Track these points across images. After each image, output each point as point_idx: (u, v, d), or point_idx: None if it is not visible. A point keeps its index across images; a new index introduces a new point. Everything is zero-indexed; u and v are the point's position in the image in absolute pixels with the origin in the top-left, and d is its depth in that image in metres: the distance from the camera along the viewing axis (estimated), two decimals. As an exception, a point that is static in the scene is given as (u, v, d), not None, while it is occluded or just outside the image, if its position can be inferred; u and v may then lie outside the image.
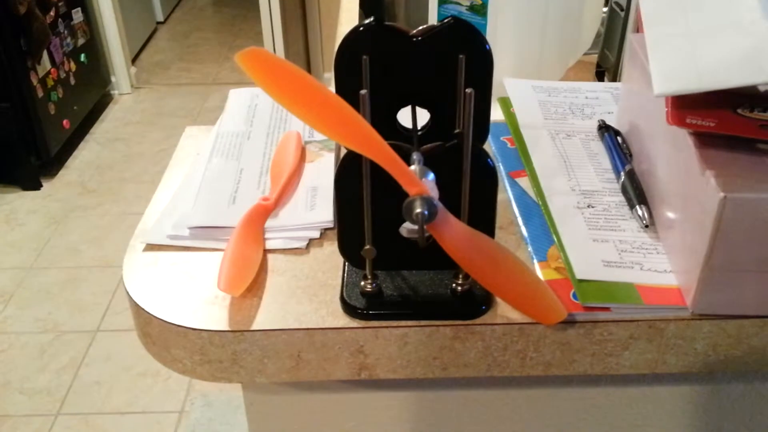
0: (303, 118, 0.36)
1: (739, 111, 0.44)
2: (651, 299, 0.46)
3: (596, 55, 1.24)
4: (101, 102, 3.05)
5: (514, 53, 1.02)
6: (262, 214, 0.54)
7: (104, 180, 2.60)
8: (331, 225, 0.54)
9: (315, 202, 0.56)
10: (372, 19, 0.44)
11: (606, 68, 1.20)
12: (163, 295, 0.48)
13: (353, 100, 0.41)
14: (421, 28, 0.44)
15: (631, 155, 0.59)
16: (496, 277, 0.41)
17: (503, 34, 1.02)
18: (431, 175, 0.40)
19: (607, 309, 0.46)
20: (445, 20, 0.44)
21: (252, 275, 0.48)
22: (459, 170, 0.43)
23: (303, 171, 0.60)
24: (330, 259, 0.51)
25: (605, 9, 1.16)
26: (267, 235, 0.53)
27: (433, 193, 0.38)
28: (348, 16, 1.35)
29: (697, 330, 0.47)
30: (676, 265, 0.48)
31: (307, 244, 0.53)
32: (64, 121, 2.63)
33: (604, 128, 0.63)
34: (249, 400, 0.59)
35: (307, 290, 0.49)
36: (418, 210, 0.37)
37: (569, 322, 0.46)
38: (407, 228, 0.46)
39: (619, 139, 0.61)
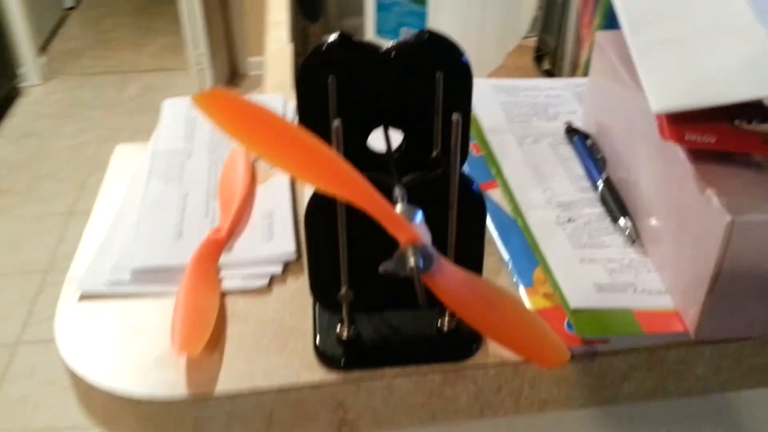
0: (278, 166, 0.30)
1: (737, 123, 0.41)
2: (651, 327, 0.43)
3: (534, 39, 1.21)
4: (9, 95, 2.86)
5: (456, 41, 0.98)
6: (215, 249, 0.48)
7: (17, 179, 2.44)
8: (293, 257, 0.48)
9: (273, 230, 0.50)
10: (338, 34, 0.38)
11: (545, 52, 1.17)
12: (105, 359, 0.42)
13: (319, 126, 0.35)
14: (393, 43, 0.39)
15: (604, 160, 0.56)
16: (495, 323, 0.37)
17: (444, 23, 0.97)
18: (419, 215, 0.35)
19: (605, 341, 0.43)
20: (419, 34, 0.39)
21: (210, 326, 0.43)
22: (442, 200, 0.38)
23: (255, 194, 0.54)
24: (296, 298, 0.46)
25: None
26: (222, 274, 0.47)
27: (425, 237, 0.34)
28: (277, 2, 1.27)
29: (698, 355, 0.44)
30: (671, 286, 0.45)
31: (269, 282, 0.47)
32: (-31, 119, 2.44)
33: (573, 131, 0.60)
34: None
35: (275, 339, 0.43)
36: (412, 263, 0.33)
37: (566, 356, 0.42)
38: (387, 266, 0.41)
39: (589, 142, 0.58)
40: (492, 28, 1.08)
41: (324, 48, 0.38)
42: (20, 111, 2.85)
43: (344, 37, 0.38)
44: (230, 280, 0.47)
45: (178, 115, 0.63)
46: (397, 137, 0.42)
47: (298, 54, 0.96)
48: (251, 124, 0.29)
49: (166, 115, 0.63)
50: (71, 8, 3.70)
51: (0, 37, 2.76)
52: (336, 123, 0.35)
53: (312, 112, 0.39)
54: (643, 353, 0.43)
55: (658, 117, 0.41)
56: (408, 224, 0.33)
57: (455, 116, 0.36)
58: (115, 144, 0.63)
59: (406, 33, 0.95)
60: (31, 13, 2.93)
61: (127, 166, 0.59)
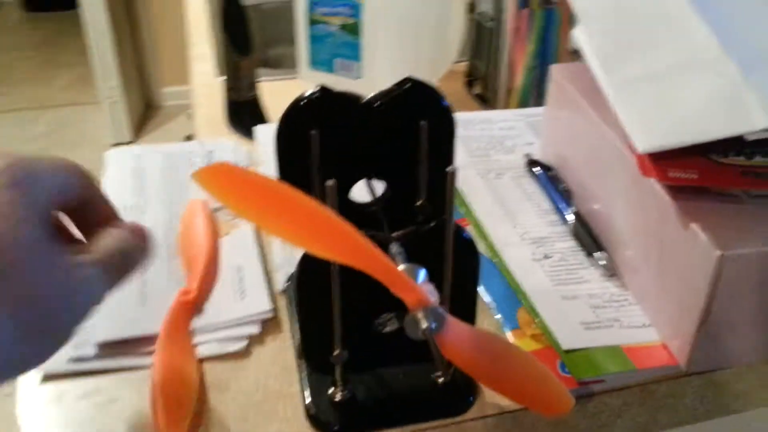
0: (281, 237, 0.28)
1: (713, 157, 0.41)
2: (643, 363, 0.43)
3: (464, 64, 1.23)
4: None
5: (390, 70, 0.98)
6: (186, 313, 0.45)
7: None
8: (270, 315, 0.46)
9: (244, 287, 0.48)
10: (318, 87, 0.37)
11: (477, 78, 1.19)
12: (80, 444, 0.39)
13: (300, 181, 0.34)
14: (375, 93, 0.37)
15: (569, 192, 0.56)
16: (505, 376, 0.36)
17: (378, 53, 0.98)
18: (423, 273, 0.33)
19: (601, 381, 0.42)
20: (402, 82, 0.38)
21: (193, 401, 0.40)
22: (435, 250, 0.37)
23: (219, 248, 0.51)
24: (278, 359, 0.44)
25: (470, 18, 1.15)
26: (197, 339, 0.44)
27: (433, 297, 0.32)
28: (198, 34, 1.24)
29: (686, 385, 0.44)
30: (655, 318, 0.45)
31: (248, 344, 0.45)
32: None
33: (533, 163, 0.60)
34: None
35: (262, 407, 0.41)
36: (425, 325, 0.31)
37: (562, 400, 0.42)
38: (380, 321, 0.40)
39: (551, 174, 0.58)
40: (423, 56, 1.08)
41: (304, 101, 0.36)
42: None
43: (325, 90, 0.37)
44: (206, 345, 0.44)
45: (124, 168, 0.60)
46: (378, 187, 0.40)
47: (230, 89, 0.94)
48: (255, 197, 0.27)
49: (111, 170, 0.60)
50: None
51: None
52: (330, 182, 0.34)
53: (293, 168, 0.37)
54: (635, 389, 0.43)
55: (639, 155, 0.42)
56: (416, 286, 0.32)
57: (450, 168, 0.35)
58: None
59: (341, 64, 0.95)
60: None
61: (75, 226, 0.55)
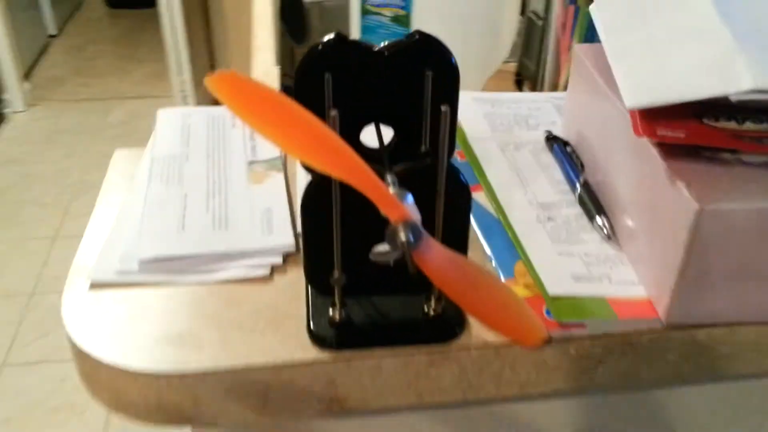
0: (279, 144, 0.33)
1: (705, 121, 0.44)
2: (624, 313, 0.46)
3: (514, 64, 1.26)
4: (-7, 121, 2.87)
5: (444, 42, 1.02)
6: None
7: (1, 204, 2.43)
8: (293, 249, 0.51)
9: (272, 226, 0.52)
10: (334, 34, 0.41)
11: (526, 77, 1.22)
12: (111, 338, 0.44)
13: (315, 119, 0.38)
14: (385, 43, 0.42)
15: (582, 165, 0.59)
16: (479, 300, 0.39)
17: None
18: (410, 197, 0.38)
19: (582, 326, 0.45)
20: (411, 35, 0.42)
21: None
22: (430, 188, 0.41)
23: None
24: (293, 287, 0.48)
25: (522, 18, 1.18)
26: (225, 264, 0.49)
27: (415, 216, 0.36)
28: (262, 27, 1.31)
29: (669, 341, 0.47)
30: (644, 277, 0.48)
31: (270, 272, 0.49)
32: (-47, 142, 2.45)
33: (552, 139, 0.63)
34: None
35: (271, 322, 0.45)
36: (403, 237, 0.35)
37: (545, 340, 0.45)
38: (376, 252, 0.44)
39: (568, 149, 0.61)
40: (473, 54, 1.12)
41: (321, 47, 0.41)
42: (4, 137, 2.85)
43: (340, 37, 0.41)
44: (233, 270, 0.49)
45: (173, 124, 0.66)
46: (388, 133, 0.45)
47: (284, 75, 1.00)
48: (257, 104, 0.31)
49: (162, 124, 0.66)
50: (54, 36, 3.73)
51: (-15, 63, 2.77)
52: (333, 113, 0.38)
53: (309, 107, 0.42)
54: (617, 338, 0.46)
55: (632, 115, 0.45)
56: (399, 203, 0.36)
57: (444, 107, 0.39)
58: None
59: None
60: (15, 41, 2.95)
61: (126, 169, 0.61)
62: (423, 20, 1.04)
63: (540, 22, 1.15)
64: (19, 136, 2.87)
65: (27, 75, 3.20)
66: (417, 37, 0.42)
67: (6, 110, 2.98)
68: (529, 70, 1.23)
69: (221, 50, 2.99)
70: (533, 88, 1.15)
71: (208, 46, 2.99)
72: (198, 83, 2.85)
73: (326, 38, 0.41)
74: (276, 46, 1.18)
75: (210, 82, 0.31)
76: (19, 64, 2.99)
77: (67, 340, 0.45)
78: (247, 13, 1.60)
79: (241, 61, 2.96)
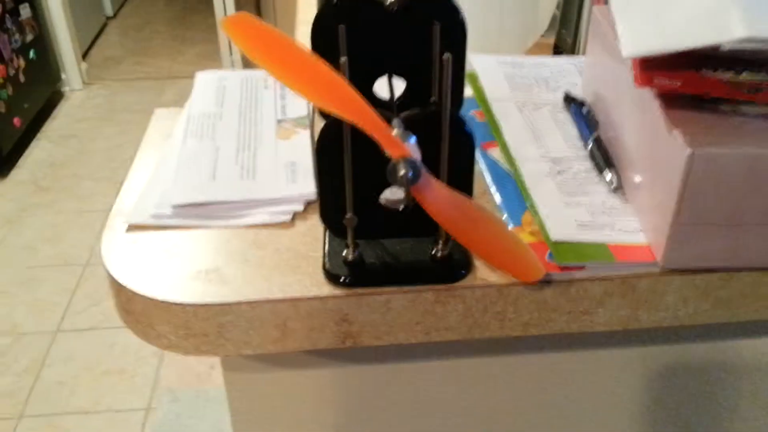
0: (287, 83, 0.36)
1: (703, 71, 0.46)
2: (623, 256, 0.48)
3: (553, 38, 1.27)
4: (52, 99, 2.98)
5: (474, 36, 1.03)
6: None
7: (58, 178, 2.54)
8: (314, 198, 0.54)
9: (296, 177, 0.56)
10: (347, -12, 0.44)
11: (564, 49, 1.22)
12: (145, 272, 0.48)
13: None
14: (397, -3, 0.45)
15: (597, 124, 0.61)
16: (477, 236, 0.42)
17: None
18: (413, 139, 0.41)
19: (581, 268, 0.48)
20: (419, -11, 0.45)
21: None
22: (437, 135, 0.44)
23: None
24: (310, 232, 0.52)
25: (560, -9, 1.19)
26: (251, 210, 0.53)
27: (416, 155, 0.39)
28: (306, 2, 1.35)
29: (667, 284, 0.49)
30: (645, 224, 0.50)
31: (292, 218, 0.53)
32: (15, 120, 2.56)
33: (570, 99, 0.65)
34: (230, 380, 0.59)
35: (290, 262, 0.49)
36: (402, 172, 0.38)
37: (546, 282, 0.47)
38: (387, 198, 0.47)
39: (584, 109, 0.63)
40: (511, 26, 1.14)
41: (335, 1, 0.44)
42: (62, 114, 2.97)
43: (353, -9, 0.44)
44: (258, 216, 0.53)
45: (210, 85, 0.70)
46: (399, 86, 0.48)
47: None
48: (270, 47, 0.35)
49: (199, 85, 0.70)
50: (111, 17, 3.85)
51: (45, 45, 2.89)
52: (343, 59, 0.41)
53: (324, 58, 0.45)
54: (616, 281, 0.48)
55: (633, 66, 0.47)
56: (401, 143, 0.39)
57: (446, 55, 0.42)
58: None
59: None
60: (74, 22, 3.06)
61: (165, 126, 0.66)
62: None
63: (576, -6, 1.15)
64: (76, 113, 2.98)
65: (84, 55, 3.31)
66: (425, -8, 0.44)
67: (64, 89, 3.09)
68: (566, 43, 1.24)
69: (269, 29, 3.05)
70: (571, 59, 1.16)
71: (257, 26, 3.04)
72: (247, 62, 2.91)
73: (340, -7, 0.44)
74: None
75: (226, 23, 0.34)
76: (77, 44, 3.10)
77: (107, 277, 0.50)
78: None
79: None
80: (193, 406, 1.71)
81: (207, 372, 1.78)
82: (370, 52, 0.45)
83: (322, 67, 0.36)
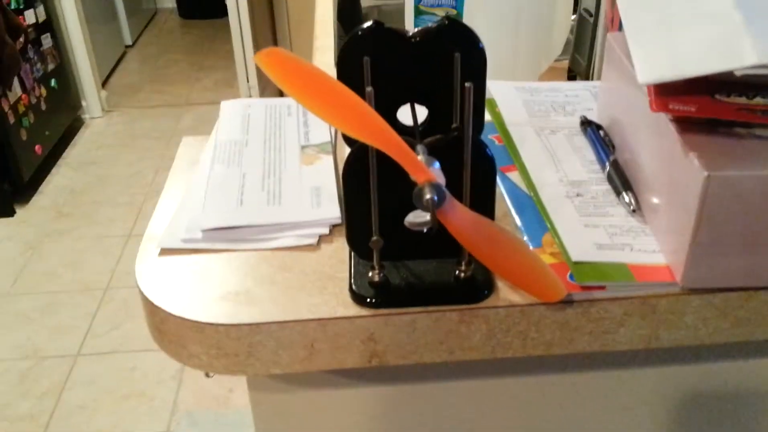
0: (318, 113, 0.38)
1: (717, 96, 0.47)
2: (643, 277, 0.49)
3: (567, 61, 1.29)
4: (73, 126, 3.04)
5: (490, 61, 1.05)
6: None
7: (78, 204, 2.59)
8: (338, 221, 0.56)
9: (321, 201, 0.58)
10: (372, 22, 0.46)
11: (577, 72, 1.24)
12: (178, 294, 0.50)
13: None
14: (418, 29, 0.47)
15: (613, 147, 0.62)
16: (500, 258, 0.43)
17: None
18: (437, 164, 0.42)
19: (602, 288, 0.49)
20: (440, 20, 0.47)
21: None
22: (460, 160, 0.46)
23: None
24: (335, 254, 0.54)
25: (574, 16, 1.21)
26: (278, 234, 0.55)
27: (440, 179, 0.41)
28: (323, 30, 1.38)
29: (686, 304, 0.50)
30: (664, 245, 0.51)
31: (318, 241, 0.55)
32: (36, 147, 2.61)
33: (587, 123, 0.66)
34: (255, 400, 0.60)
35: (317, 283, 0.51)
36: (428, 196, 0.40)
37: (567, 302, 0.48)
38: (411, 221, 0.48)
39: (601, 132, 0.64)
40: (526, 50, 1.16)
41: (360, 33, 0.46)
42: (82, 141, 3.02)
43: (378, 24, 0.46)
44: (285, 238, 0.54)
45: (235, 113, 0.72)
46: (423, 112, 0.49)
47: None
48: (301, 78, 0.37)
49: (225, 113, 0.72)
50: (130, 46, 3.92)
51: (66, 73, 2.95)
52: (368, 89, 0.43)
53: (350, 87, 0.47)
54: (636, 301, 0.49)
55: (648, 92, 0.48)
56: (426, 168, 0.40)
57: (468, 84, 0.44)
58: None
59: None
60: (94, 51, 3.13)
61: (193, 154, 0.68)
62: (474, 19, 1.08)
63: (591, 19, 1.17)
64: (96, 140, 3.03)
65: (104, 83, 3.38)
66: (446, 22, 0.46)
67: (85, 116, 3.15)
68: (580, 66, 1.26)
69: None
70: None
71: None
72: (263, 90, 2.96)
73: (365, 25, 0.46)
74: (335, 47, 1.25)
75: (259, 57, 0.36)
76: (97, 73, 3.16)
77: (141, 303, 0.51)
78: (309, 20, 1.67)
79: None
80: (212, 429, 1.72)
81: (225, 395, 1.80)
82: (393, 82, 0.47)
83: (352, 97, 0.37)
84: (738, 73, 0.44)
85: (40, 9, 2.71)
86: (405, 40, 0.46)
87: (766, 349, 0.59)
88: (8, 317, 2.05)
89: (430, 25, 0.46)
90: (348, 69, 0.46)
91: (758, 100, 0.46)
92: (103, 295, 2.13)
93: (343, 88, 0.37)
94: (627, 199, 0.56)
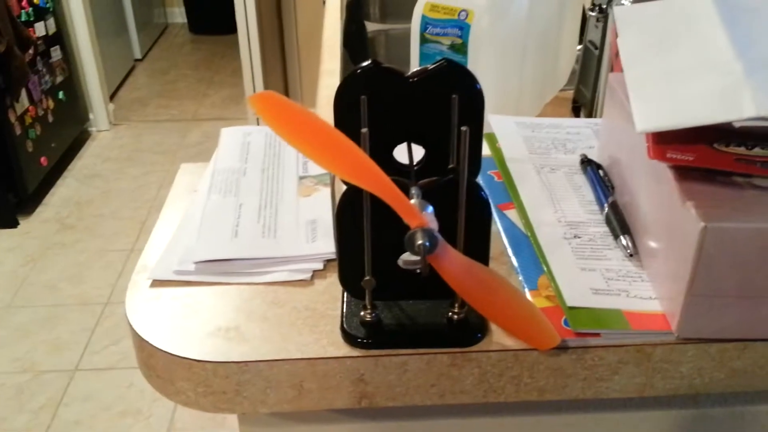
0: (311, 157, 0.38)
1: (716, 146, 0.47)
2: (638, 324, 0.48)
3: (572, 92, 1.29)
4: (79, 139, 3.05)
5: (494, 90, 1.05)
6: None
7: (82, 216, 2.59)
8: (332, 256, 0.55)
9: (316, 235, 0.57)
10: (370, 61, 0.46)
11: (582, 104, 1.24)
12: (167, 329, 0.50)
13: (352, 138, 0.43)
14: (415, 70, 0.46)
15: (613, 188, 0.62)
16: (493, 304, 0.43)
17: (483, 72, 1.05)
18: (430, 208, 0.42)
19: (597, 335, 0.48)
20: (438, 62, 0.46)
21: None
22: (454, 202, 0.45)
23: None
24: (328, 290, 0.53)
25: (579, 47, 1.21)
26: (271, 268, 0.54)
27: (433, 225, 0.40)
28: (330, 53, 1.38)
29: (682, 353, 0.49)
30: (660, 292, 0.51)
31: (311, 276, 0.54)
32: (42, 158, 2.62)
33: (587, 162, 0.66)
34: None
35: (308, 321, 0.50)
36: (420, 242, 0.39)
37: (562, 348, 0.48)
38: (405, 260, 0.48)
39: (601, 172, 0.64)
40: (531, 80, 1.16)
41: (359, 72, 0.46)
42: (89, 153, 3.03)
43: (376, 63, 0.46)
44: (278, 273, 0.54)
45: (235, 141, 0.72)
46: (419, 152, 0.49)
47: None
48: (293, 122, 0.36)
49: (224, 141, 0.72)
50: (139, 60, 3.94)
51: (74, 86, 2.97)
52: (364, 130, 0.43)
53: (346, 126, 0.46)
54: (631, 349, 0.48)
55: (647, 139, 0.48)
56: (418, 212, 0.40)
57: (464, 128, 0.43)
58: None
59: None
60: (103, 64, 3.15)
61: (191, 181, 0.68)
62: (479, 48, 1.08)
63: (596, 51, 1.17)
64: (102, 153, 3.04)
65: (112, 96, 3.40)
66: (444, 64, 0.46)
67: (92, 129, 3.17)
68: (585, 97, 1.25)
69: (293, 75, 3.10)
70: (589, 115, 1.17)
71: (282, 72, 3.11)
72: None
73: (363, 64, 0.46)
74: (341, 71, 1.25)
75: (252, 100, 0.36)
76: (105, 86, 3.18)
77: (129, 332, 0.51)
78: (317, 41, 1.68)
79: (311, 85, 3.07)
80: (207, 449, 1.71)
81: (221, 415, 1.78)
82: (390, 121, 0.47)
83: (345, 142, 0.37)
84: (737, 125, 0.43)
85: (51, 21, 2.73)
86: (403, 80, 0.46)
87: (764, 397, 0.58)
88: (8, 330, 2.05)
89: (428, 66, 0.46)
90: (345, 107, 0.46)
91: (757, 150, 0.46)
92: (102, 310, 2.13)
93: (336, 133, 0.37)
94: (624, 242, 0.55)
